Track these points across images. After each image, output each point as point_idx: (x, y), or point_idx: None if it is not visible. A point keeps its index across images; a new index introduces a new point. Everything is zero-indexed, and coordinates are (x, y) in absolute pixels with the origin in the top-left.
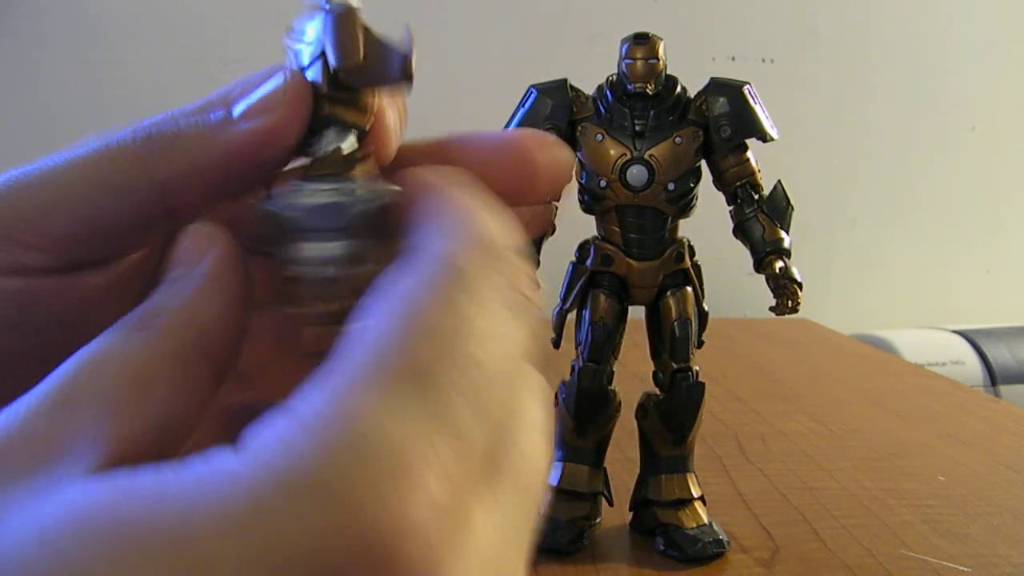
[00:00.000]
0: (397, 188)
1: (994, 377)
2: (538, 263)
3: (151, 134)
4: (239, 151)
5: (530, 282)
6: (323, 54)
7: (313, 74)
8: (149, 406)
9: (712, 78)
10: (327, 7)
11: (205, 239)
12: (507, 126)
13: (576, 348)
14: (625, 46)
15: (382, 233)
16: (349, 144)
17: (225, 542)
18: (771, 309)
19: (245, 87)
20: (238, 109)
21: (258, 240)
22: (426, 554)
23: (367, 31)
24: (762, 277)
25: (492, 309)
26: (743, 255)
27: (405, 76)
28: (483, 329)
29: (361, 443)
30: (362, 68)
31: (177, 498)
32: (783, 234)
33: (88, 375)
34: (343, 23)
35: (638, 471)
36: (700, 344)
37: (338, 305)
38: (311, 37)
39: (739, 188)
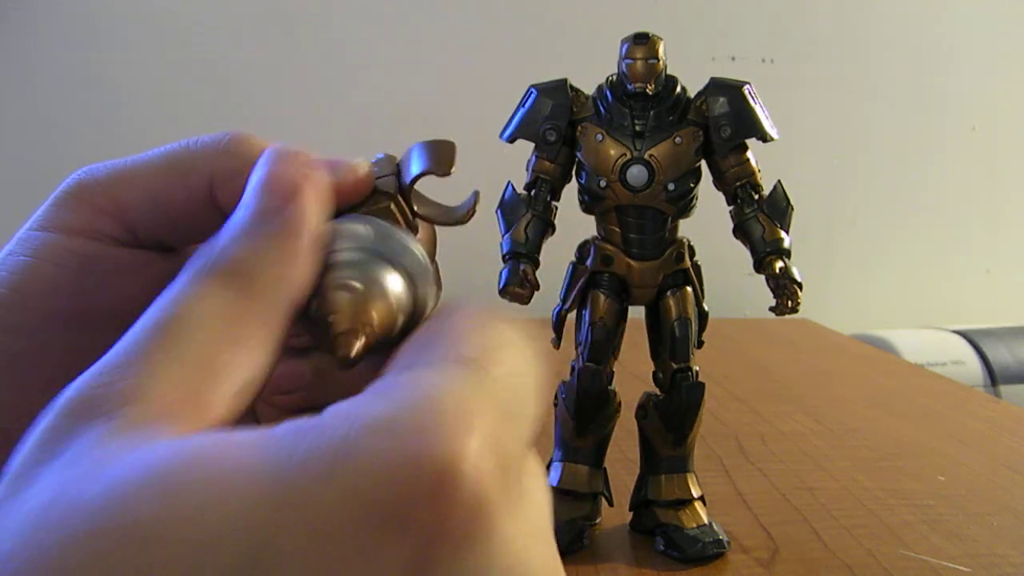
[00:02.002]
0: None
1: (994, 377)
2: (538, 263)
3: (225, 135)
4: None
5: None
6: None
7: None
8: (242, 367)
9: (712, 78)
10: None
11: (297, 168)
12: (507, 126)
13: (576, 348)
14: (625, 46)
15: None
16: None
17: (320, 482)
18: (771, 309)
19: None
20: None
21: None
22: (479, 491)
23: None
24: (762, 277)
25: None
26: (743, 255)
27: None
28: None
29: (427, 398)
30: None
31: (276, 448)
32: (783, 234)
33: (188, 332)
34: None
35: (638, 471)
36: (700, 344)
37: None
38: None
39: (739, 188)
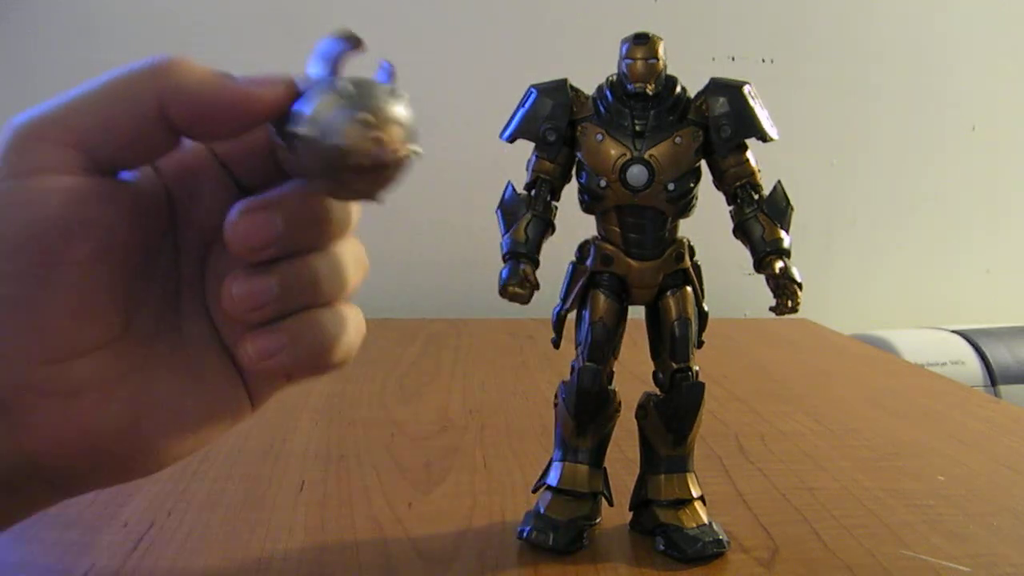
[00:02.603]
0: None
1: (994, 377)
2: (538, 263)
3: (164, 58)
4: (230, 101)
5: None
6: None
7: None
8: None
9: (712, 78)
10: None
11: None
12: (507, 126)
13: (576, 348)
14: (625, 46)
15: None
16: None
17: None
18: (771, 309)
19: (253, 75)
20: (242, 79)
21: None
22: None
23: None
24: (762, 277)
25: None
26: (743, 255)
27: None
28: None
29: None
30: None
31: None
32: (783, 234)
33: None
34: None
35: (638, 471)
36: (700, 344)
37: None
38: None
39: (739, 188)
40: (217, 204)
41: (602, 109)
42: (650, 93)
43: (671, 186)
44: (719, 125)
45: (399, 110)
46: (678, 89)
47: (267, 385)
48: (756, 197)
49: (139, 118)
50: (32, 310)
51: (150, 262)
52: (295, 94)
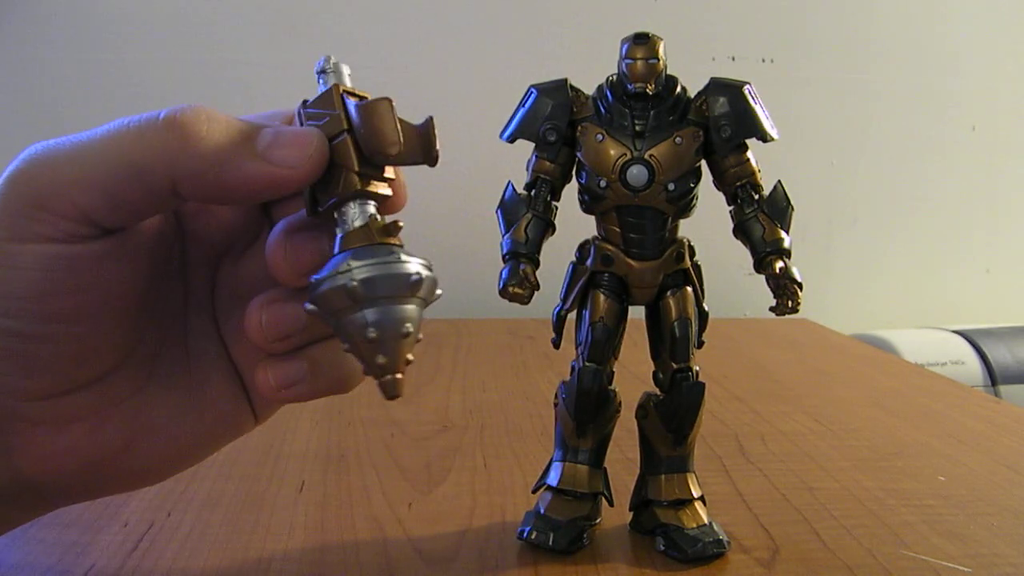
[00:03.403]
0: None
1: (994, 377)
2: (538, 263)
3: (177, 122)
4: (250, 182)
5: None
6: (350, 129)
7: (341, 147)
8: None
9: (712, 78)
10: (359, 101)
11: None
12: (507, 126)
13: (576, 348)
14: (625, 46)
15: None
16: (376, 211)
17: None
18: (771, 309)
19: (279, 134)
20: (265, 147)
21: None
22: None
23: (400, 119)
24: (762, 277)
25: None
26: (743, 255)
27: (433, 160)
28: None
29: None
30: (398, 154)
31: None
32: (783, 234)
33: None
34: (384, 113)
35: (638, 471)
36: (700, 344)
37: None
38: (335, 109)
39: (739, 188)
40: (229, 214)
41: (602, 109)
42: (650, 93)
43: (671, 186)
44: (719, 125)
45: (410, 324)
46: (678, 89)
47: (275, 404)
48: (756, 197)
49: (149, 194)
50: (26, 359)
51: (155, 292)
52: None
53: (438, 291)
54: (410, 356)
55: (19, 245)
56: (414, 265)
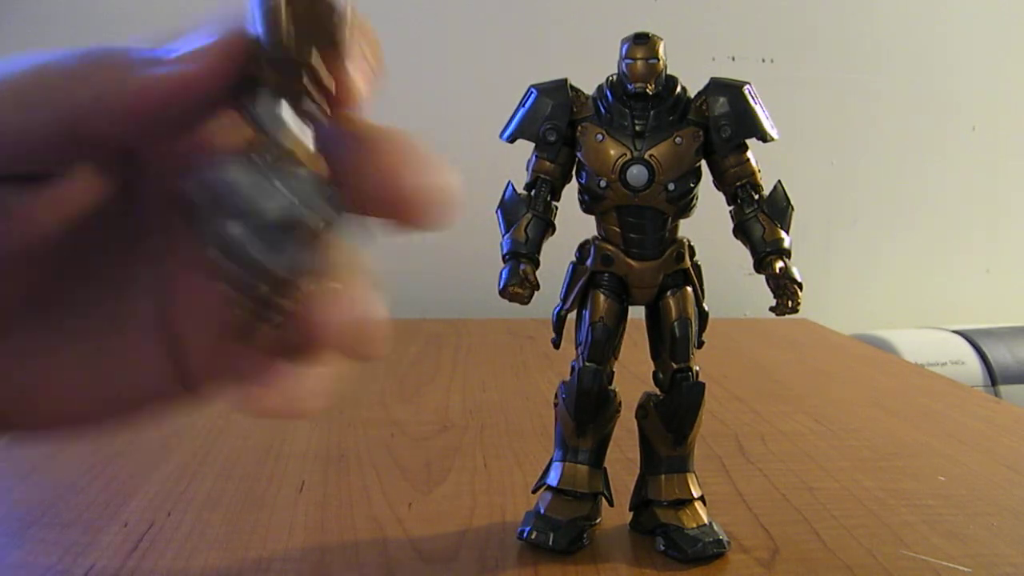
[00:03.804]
0: (337, 210)
1: (994, 377)
2: (538, 263)
3: (77, 59)
4: (154, 92)
5: None
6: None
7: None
8: None
9: (712, 78)
10: None
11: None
12: (507, 126)
13: (576, 348)
14: (625, 46)
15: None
16: (298, 125)
17: None
18: (771, 309)
19: (185, 39)
20: (159, 56)
21: (188, 199)
22: None
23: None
24: (762, 277)
25: None
26: (743, 255)
27: (333, 42)
28: None
29: None
30: (290, 41)
31: None
32: (783, 234)
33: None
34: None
35: (638, 471)
36: (700, 344)
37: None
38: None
39: (739, 188)
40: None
41: (602, 109)
42: (650, 93)
43: (671, 186)
44: (719, 125)
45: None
46: (678, 89)
47: (208, 374)
48: (756, 197)
49: (39, 131)
50: None
51: (76, 251)
52: (241, 52)
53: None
54: (267, 291)
55: None
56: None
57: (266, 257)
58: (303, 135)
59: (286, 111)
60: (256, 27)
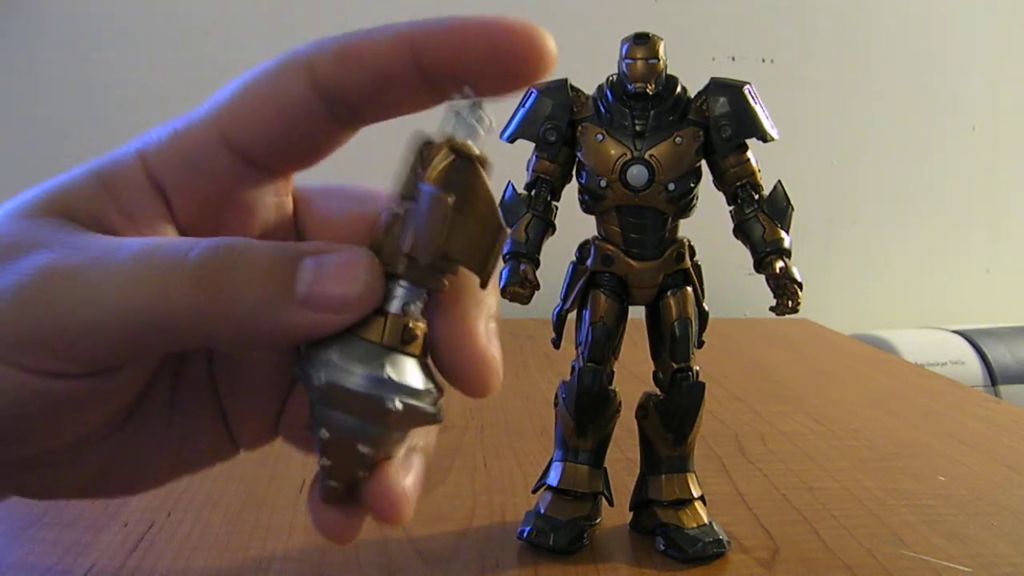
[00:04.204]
0: (438, 389)
1: (994, 377)
2: (538, 263)
3: (207, 280)
4: (288, 333)
5: None
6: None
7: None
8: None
9: (712, 78)
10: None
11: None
12: (507, 126)
13: (576, 348)
14: (625, 46)
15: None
16: (415, 307)
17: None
18: (771, 309)
19: (321, 268)
20: (306, 290)
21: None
22: None
23: (455, 219)
24: (762, 277)
25: None
26: (743, 255)
27: (483, 281)
28: None
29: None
30: (446, 248)
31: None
32: (783, 234)
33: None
34: (436, 208)
35: (638, 471)
36: (700, 344)
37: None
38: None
39: (739, 188)
40: None
41: (602, 109)
42: (650, 93)
43: (671, 186)
44: (719, 125)
45: (365, 447)
46: (678, 89)
47: (260, 441)
48: (756, 197)
49: (165, 348)
50: None
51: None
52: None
53: (435, 417)
54: (363, 474)
55: (2, 366)
56: (396, 392)
57: (369, 447)
58: (421, 322)
59: (415, 303)
60: (415, 223)
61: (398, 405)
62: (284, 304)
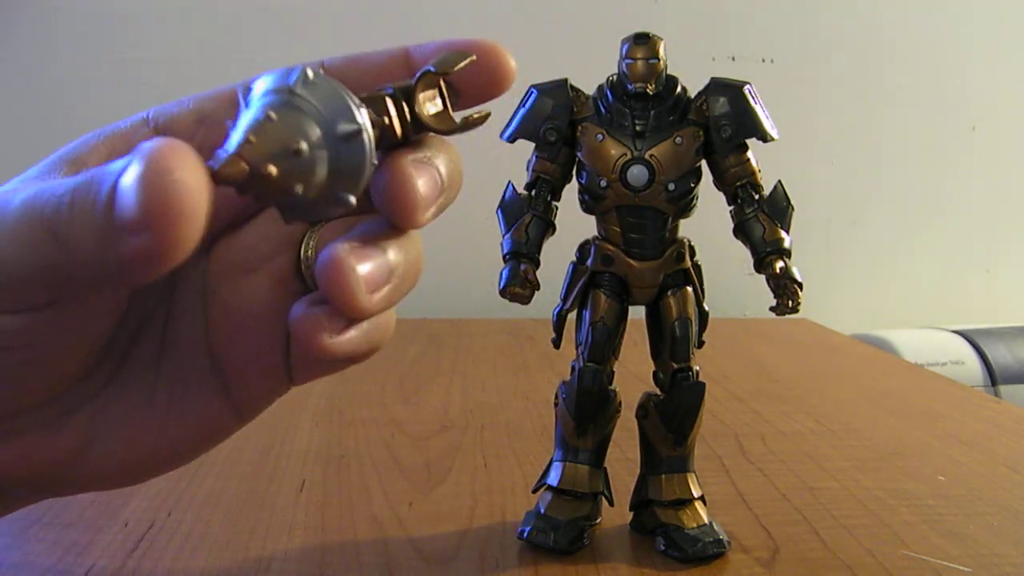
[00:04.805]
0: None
1: (994, 377)
2: (538, 263)
3: (59, 227)
4: (140, 265)
5: None
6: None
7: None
8: None
9: (712, 78)
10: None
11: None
12: (507, 126)
13: (576, 348)
14: (625, 46)
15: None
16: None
17: None
18: (771, 309)
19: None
20: (121, 221)
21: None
22: None
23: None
24: (762, 277)
25: None
26: (743, 255)
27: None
28: None
29: None
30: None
31: None
32: (783, 234)
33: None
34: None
35: (638, 471)
36: (700, 344)
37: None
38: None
39: (739, 188)
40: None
41: (602, 109)
42: (650, 93)
43: (671, 186)
44: (720, 125)
45: (301, 141)
46: (678, 89)
47: (262, 398)
48: (757, 197)
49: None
50: None
51: (128, 304)
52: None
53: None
54: (273, 169)
55: None
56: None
57: (306, 144)
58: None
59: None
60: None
61: (348, 128)
62: (114, 238)
